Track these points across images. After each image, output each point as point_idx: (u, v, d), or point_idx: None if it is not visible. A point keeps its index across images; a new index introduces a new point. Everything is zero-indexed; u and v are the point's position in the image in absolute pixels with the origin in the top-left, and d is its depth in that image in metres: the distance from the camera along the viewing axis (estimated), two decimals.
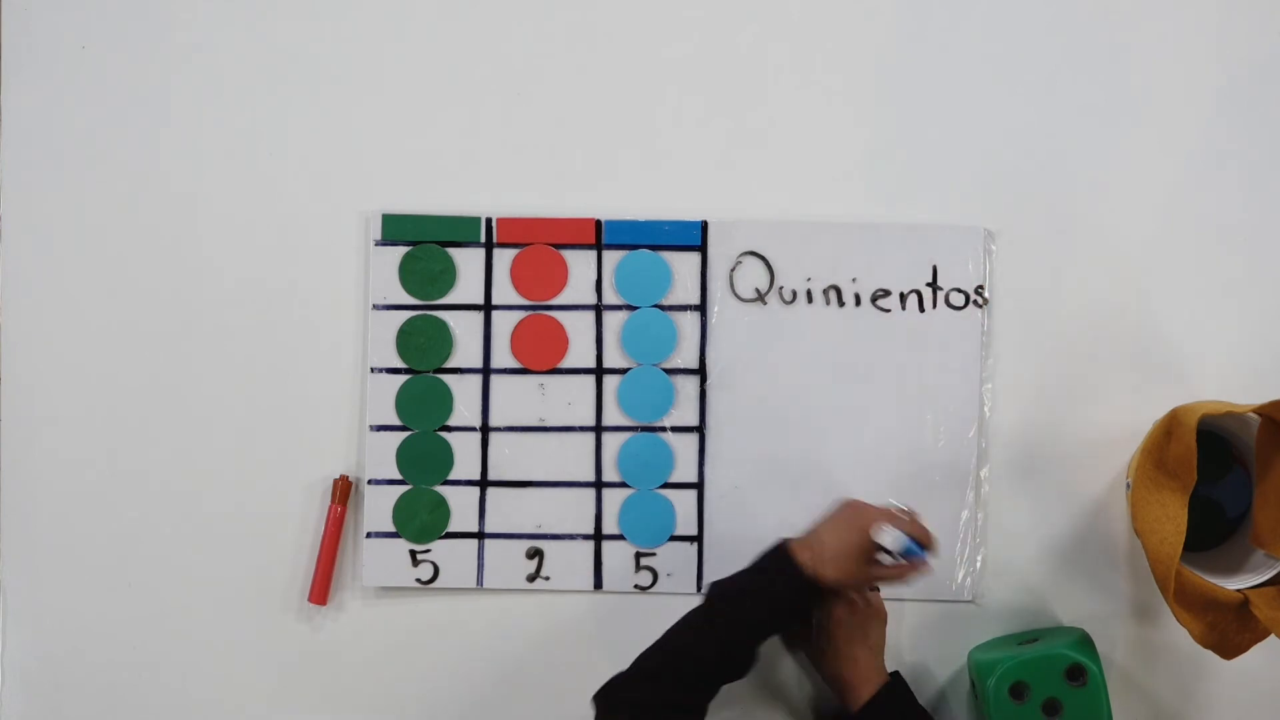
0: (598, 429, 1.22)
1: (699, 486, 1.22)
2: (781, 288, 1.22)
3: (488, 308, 1.23)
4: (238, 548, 1.23)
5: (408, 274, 1.22)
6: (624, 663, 1.06)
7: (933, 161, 1.22)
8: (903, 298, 1.21)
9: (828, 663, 1.12)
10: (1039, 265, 1.21)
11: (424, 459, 1.22)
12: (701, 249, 1.22)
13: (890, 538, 1.05)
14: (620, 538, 1.22)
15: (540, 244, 1.22)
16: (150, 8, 1.23)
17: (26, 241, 1.24)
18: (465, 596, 1.22)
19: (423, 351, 1.22)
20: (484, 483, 1.22)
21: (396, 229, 1.22)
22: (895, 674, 1.12)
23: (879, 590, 1.16)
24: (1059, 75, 1.22)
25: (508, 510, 1.22)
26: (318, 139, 1.23)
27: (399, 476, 1.22)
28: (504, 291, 1.23)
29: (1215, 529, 1.18)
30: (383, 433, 1.22)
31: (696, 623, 1.06)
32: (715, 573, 1.19)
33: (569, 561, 1.22)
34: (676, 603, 1.14)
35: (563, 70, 1.23)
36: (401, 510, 1.22)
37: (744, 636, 1.06)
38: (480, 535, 1.22)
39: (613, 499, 1.22)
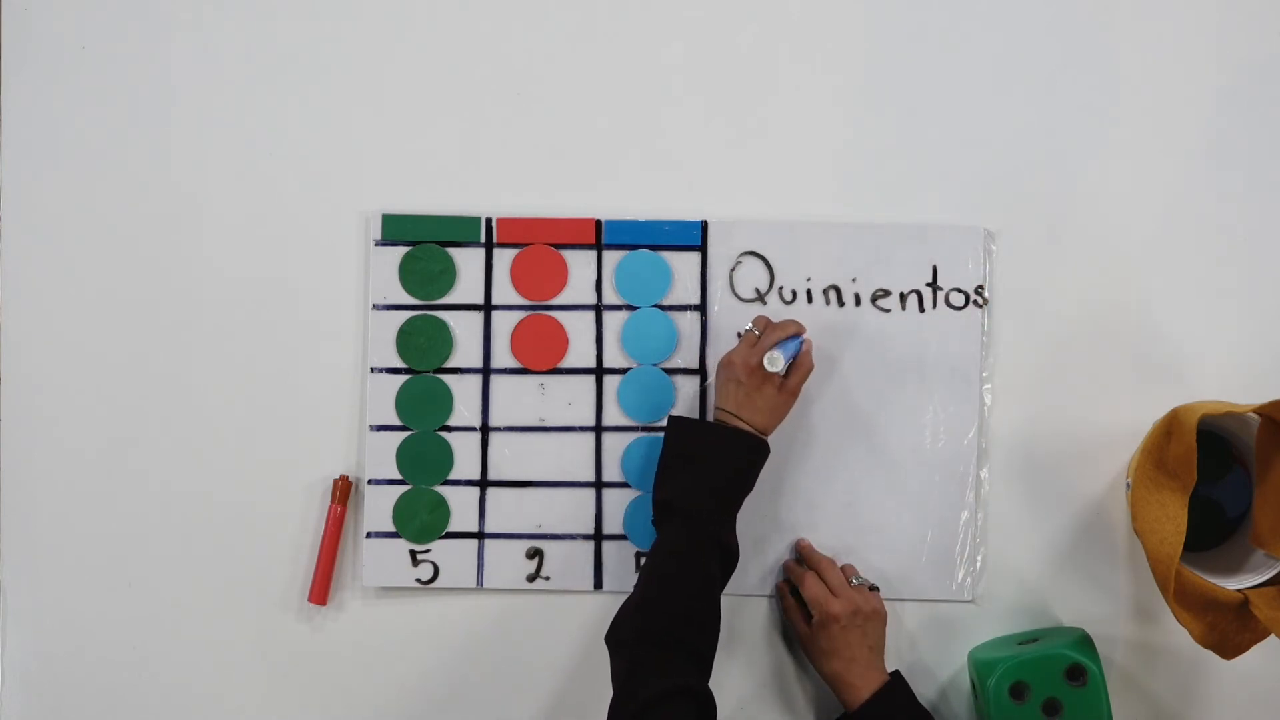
0: (598, 429, 1.22)
1: None
2: (781, 287, 1.22)
3: (488, 308, 1.23)
4: (238, 548, 1.23)
5: (408, 274, 1.22)
6: None
7: (933, 161, 1.22)
8: (903, 298, 1.21)
9: (827, 661, 1.12)
10: (1039, 265, 1.21)
11: (424, 459, 1.22)
12: (701, 249, 1.22)
13: (777, 361, 1.11)
14: (621, 537, 1.22)
15: (540, 244, 1.22)
16: (150, 8, 1.23)
17: (26, 241, 1.23)
18: (465, 596, 1.22)
19: (423, 351, 1.22)
20: (484, 483, 1.22)
21: (396, 229, 1.22)
22: (895, 673, 1.12)
23: (878, 590, 1.16)
24: (1059, 75, 1.22)
25: (508, 510, 1.22)
26: (318, 139, 1.23)
27: (399, 476, 1.22)
28: (504, 291, 1.23)
29: (1215, 529, 1.18)
30: (383, 433, 1.22)
31: (671, 534, 1.09)
32: None
33: (569, 561, 1.22)
34: None
35: (563, 70, 1.23)
36: (401, 510, 1.22)
37: (716, 527, 1.09)
38: (480, 535, 1.22)
39: (613, 499, 1.22)
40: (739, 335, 1.19)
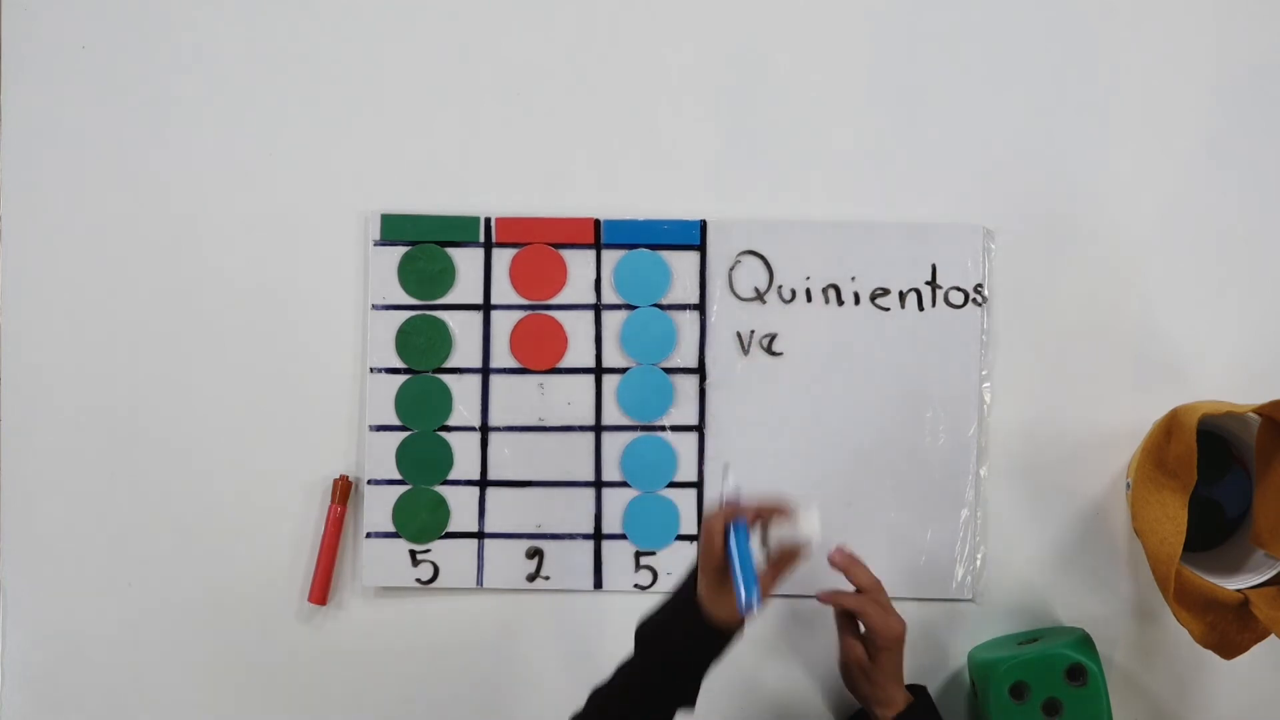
0: (597, 429, 1.22)
1: (699, 486, 1.22)
2: (780, 286, 1.22)
3: (487, 307, 1.23)
4: (238, 548, 1.23)
5: (407, 274, 1.22)
6: None
7: (933, 161, 1.22)
8: (902, 296, 1.21)
9: (891, 684, 1.08)
10: (1038, 264, 1.21)
11: (424, 459, 1.22)
12: (700, 248, 1.22)
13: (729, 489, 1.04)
14: (621, 537, 1.22)
15: (539, 244, 1.22)
16: (150, 8, 1.24)
17: (26, 241, 1.24)
18: (465, 596, 1.22)
19: (422, 351, 1.22)
20: (484, 482, 1.22)
21: (395, 229, 1.22)
22: (923, 689, 1.12)
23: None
24: (1059, 75, 1.22)
25: (508, 510, 1.22)
26: (317, 139, 1.23)
27: (399, 476, 1.22)
28: (503, 291, 1.23)
29: (1215, 529, 1.18)
30: (383, 433, 1.22)
31: (632, 667, 1.03)
32: None
33: (569, 561, 1.22)
34: None
35: (562, 70, 1.23)
36: (401, 510, 1.22)
37: (673, 676, 1.03)
38: (480, 535, 1.22)
39: (613, 499, 1.22)
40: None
